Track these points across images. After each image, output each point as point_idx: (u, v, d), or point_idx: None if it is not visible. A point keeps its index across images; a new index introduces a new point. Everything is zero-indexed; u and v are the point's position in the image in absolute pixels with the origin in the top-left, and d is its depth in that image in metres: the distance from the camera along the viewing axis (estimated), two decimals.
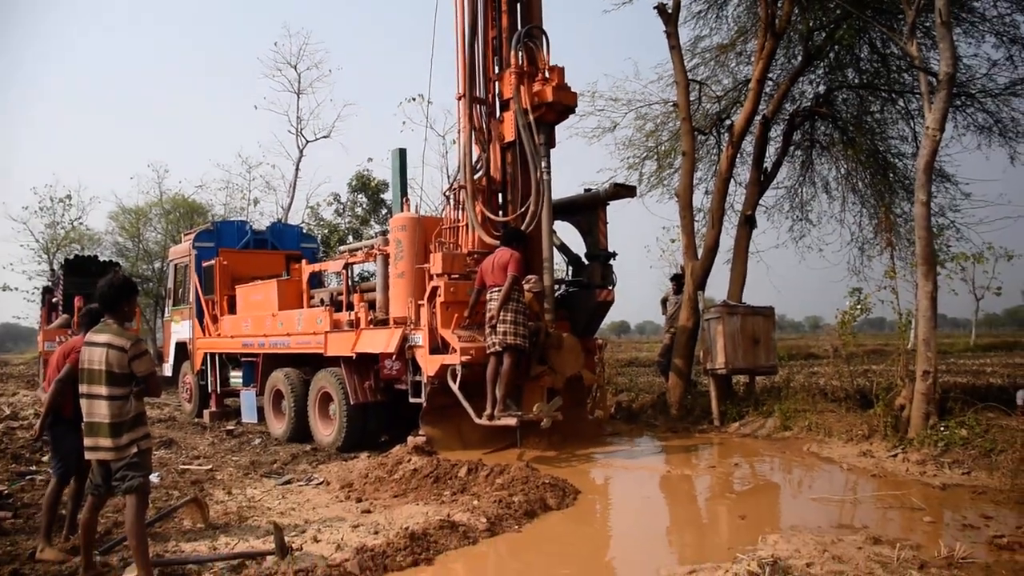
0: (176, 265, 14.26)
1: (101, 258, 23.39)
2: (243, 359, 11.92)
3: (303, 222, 24.43)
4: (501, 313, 7.70)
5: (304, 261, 11.57)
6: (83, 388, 4.48)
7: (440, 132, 26.56)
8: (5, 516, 6.02)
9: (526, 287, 8.04)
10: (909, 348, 8.62)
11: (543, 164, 8.48)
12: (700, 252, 11.61)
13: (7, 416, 12.29)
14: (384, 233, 10.34)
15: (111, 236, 36.13)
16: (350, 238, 25.88)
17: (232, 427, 11.69)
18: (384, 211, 26.94)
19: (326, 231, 24.63)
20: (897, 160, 12.89)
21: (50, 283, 23.37)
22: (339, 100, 77.99)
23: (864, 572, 4.19)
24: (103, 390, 4.41)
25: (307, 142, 29.41)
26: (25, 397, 17.11)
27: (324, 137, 29.94)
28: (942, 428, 7.43)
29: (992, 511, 5.57)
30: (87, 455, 4.54)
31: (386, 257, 9.30)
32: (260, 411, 11.49)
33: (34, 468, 8.28)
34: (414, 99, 25.58)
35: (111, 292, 4.57)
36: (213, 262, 12.73)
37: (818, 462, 7.86)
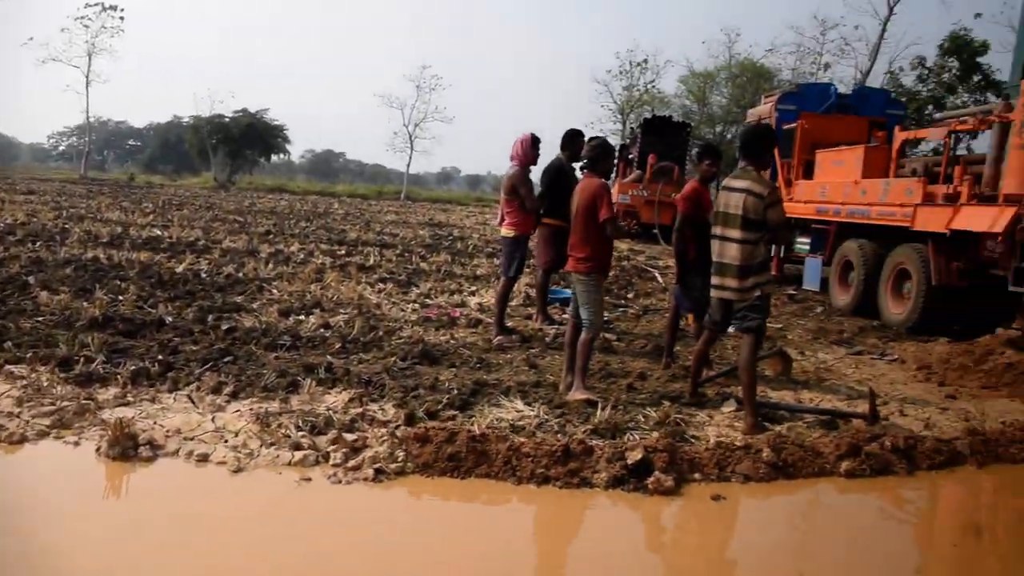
0: None
1: (673, 119, 24.84)
2: (813, 226, 11.48)
3: (879, 87, 21.94)
4: None
5: (897, 128, 10.63)
6: (717, 230, 4.72)
7: None
8: (611, 338, 6.81)
9: None
10: None
11: None
12: None
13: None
14: (1007, 98, 8.86)
15: (679, 99, 37.98)
16: (930, 108, 24.74)
17: (793, 292, 11.65)
18: (978, 77, 25.07)
19: (903, 99, 20.98)
20: None
21: (627, 141, 26.30)
22: None
23: None
24: (736, 233, 4.56)
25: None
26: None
27: None
28: None
29: None
30: (713, 293, 4.80)
31: (1005, 126, 8.13)
32: (824, 280, 11.19)
33: (623, 302, 9.18)
34: None
35: (753, 139, 4.84)
36: (794, 125, 12.20)
37: None
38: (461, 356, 5.78)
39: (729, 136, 37.56)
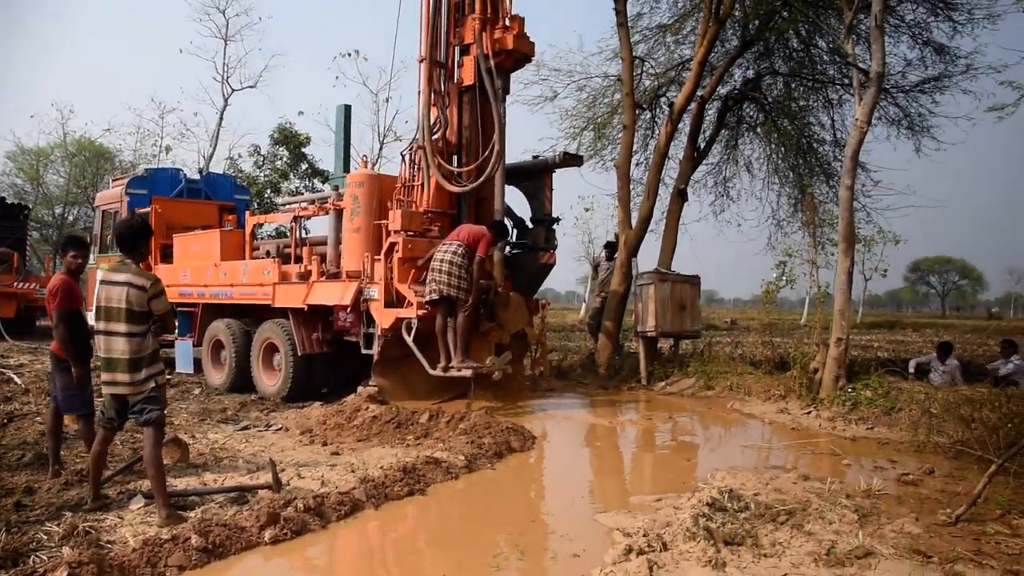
0: (104, 211, 13.39)
1: (7, 200, 23.33)
2: (179, 309, 11.24)
3: (222, 172, 22.53)
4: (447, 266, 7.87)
5: (248, 212, 11.71)
6: (100, 325, 4.58)
7: (373, 90, 24.50)
8: None
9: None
10: (803, 323, 9.75)
11: (502, 109, 8.74)
12: (634, 222, 11.96)
13: None
14: (336, 188, 10.31)
15: (8, 178, 34.88)
16: (269, 192, 26.11)
17: (168, 376, 10.80)
18: (305, 166, 27.09)
19: (246, 184, 21.33)
20: (817, 145, 14.19)
21: None
22: (268, 50, 63.83)
23: (802, 500, 4.88)
24: (122, 327, 4.53)
25: (232, 91, 29.12)
26: None
27: (250, 87, 29.95)
28: (850, 390, 8.38)
29: (896, 457, 6.58)
30: (104, 389, 4.66)
31: (339, 212, 9.36)
32: (197, 361, 11.28)
33: None
34: (350, 54, 26.96)
35: (130, 233, 4.71)
36: (147, 210, 11.98)
37: (741, 417, 8.74)
38: None
39: (71, 218, 35.16)
